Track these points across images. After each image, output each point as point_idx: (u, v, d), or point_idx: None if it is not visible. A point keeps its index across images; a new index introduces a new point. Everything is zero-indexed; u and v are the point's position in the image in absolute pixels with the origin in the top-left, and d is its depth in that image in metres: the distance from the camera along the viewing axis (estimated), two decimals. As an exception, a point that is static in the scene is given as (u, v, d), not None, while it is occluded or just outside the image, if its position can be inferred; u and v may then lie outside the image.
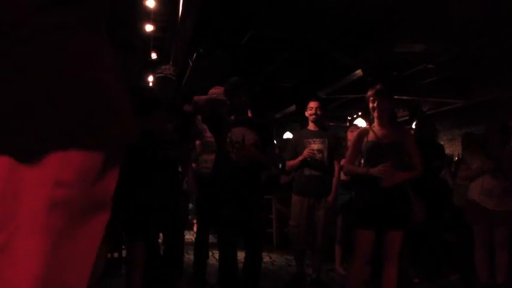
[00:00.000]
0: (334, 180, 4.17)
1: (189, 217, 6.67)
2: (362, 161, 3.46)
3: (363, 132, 3.29)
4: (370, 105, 3.17)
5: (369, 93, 3.18)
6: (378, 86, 3.20)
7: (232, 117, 3.44)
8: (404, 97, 7.75)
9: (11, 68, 0.67)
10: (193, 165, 4.19)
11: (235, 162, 3.30)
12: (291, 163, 4.22)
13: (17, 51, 0.67)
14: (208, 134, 4.10)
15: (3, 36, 0.66)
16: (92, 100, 0.74)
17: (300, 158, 4.09)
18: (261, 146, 3.41)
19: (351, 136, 4.34)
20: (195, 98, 3.67)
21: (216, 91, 4.09)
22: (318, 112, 4.16)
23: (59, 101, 0.70)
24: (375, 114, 3.16)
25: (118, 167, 0.82)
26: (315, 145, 4.11)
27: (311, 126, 4.22)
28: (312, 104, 4.20)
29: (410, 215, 3.12)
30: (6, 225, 0.68)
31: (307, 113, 4.23)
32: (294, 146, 4.25)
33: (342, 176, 4.23)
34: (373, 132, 3.19)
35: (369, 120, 3.51)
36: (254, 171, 3.40)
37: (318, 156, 4.09)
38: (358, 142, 3.23)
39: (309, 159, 4.06)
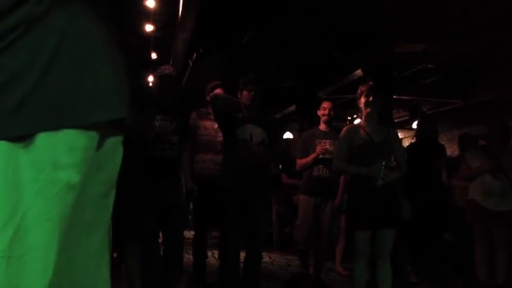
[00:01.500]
0: (341, 182, 4.14)
1: (189, 217, 6.66)
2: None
3: (352, 129, 3.21)
4: (363, 99, 3.09)
5: (362, 88, 3.11)
6: (371, 83, 3.17)
7: (240, 115, 3.43)
8: (404, 97, 7.74)
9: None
10: None
11: (242, 161, 3.29)
12: (302, 161, 4.15)
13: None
14: (203, 132, 4.08)
15: None
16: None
17: (313, 155, 4.03)
18: (268, 143, 3.40)
19: None
20: (213, 94, 3.67)
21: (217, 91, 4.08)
22: (332, 113, 4.15)
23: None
24: (368, 110, 3.09)
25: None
26: (326, 145, 4.05)
27: (322, 127, 4.19)
28: (326, 105, 4.18)
29: (400, 213, 3.09)
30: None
31: (319, 113, 4.19)
32: (304, 145, 4.19)
33: None
34: (363, 129, 3.12)
35: None
36: (261, 170, 3.39)
37: (328, 157, 4.02)
38: (347, 139, 3.14)
39: (321, 156, 4.01)
